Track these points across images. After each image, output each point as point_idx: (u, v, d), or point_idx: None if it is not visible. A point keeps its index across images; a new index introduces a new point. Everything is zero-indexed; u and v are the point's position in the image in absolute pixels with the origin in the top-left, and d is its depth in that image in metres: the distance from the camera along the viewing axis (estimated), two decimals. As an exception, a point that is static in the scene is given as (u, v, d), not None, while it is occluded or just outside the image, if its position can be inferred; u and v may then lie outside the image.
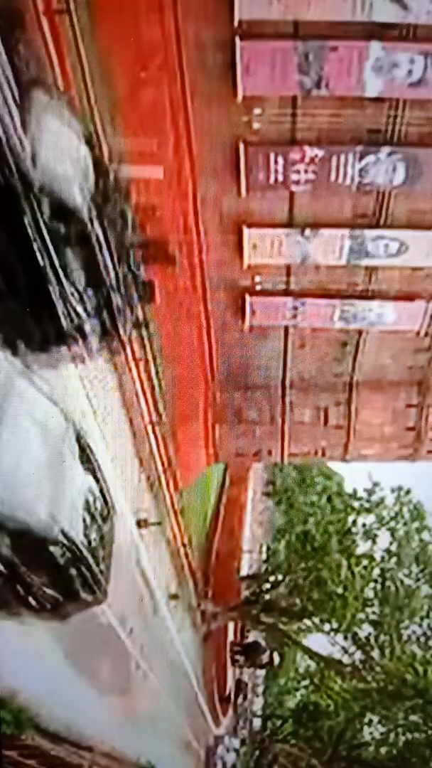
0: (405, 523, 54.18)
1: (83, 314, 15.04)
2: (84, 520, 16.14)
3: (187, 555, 41.06)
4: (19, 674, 18.34)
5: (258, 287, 30.93)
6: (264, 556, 70.14)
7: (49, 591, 15.36)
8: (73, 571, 15.79)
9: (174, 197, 26.80)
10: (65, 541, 15.22)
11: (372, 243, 28.45)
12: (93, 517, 16.73)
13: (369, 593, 53.84)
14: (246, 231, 28.46)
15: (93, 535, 16.53)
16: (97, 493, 17.11)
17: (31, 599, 15.21)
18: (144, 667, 33.62)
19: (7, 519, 13.67)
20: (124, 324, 16.93)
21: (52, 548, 14.97)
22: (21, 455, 14.48)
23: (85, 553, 15.83)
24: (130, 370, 27.54)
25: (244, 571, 67.40)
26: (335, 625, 54.75)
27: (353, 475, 73.25)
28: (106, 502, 17.44)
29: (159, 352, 29.52)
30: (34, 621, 17.37)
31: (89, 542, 16.15)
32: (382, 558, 54.14)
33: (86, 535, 16.03)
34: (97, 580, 16.56)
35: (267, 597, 58.28)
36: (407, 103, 24.70)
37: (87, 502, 16.48)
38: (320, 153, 25.77)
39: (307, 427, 35.98)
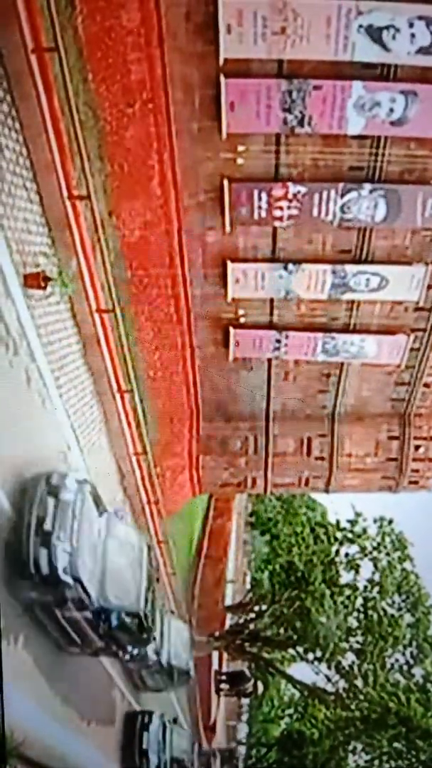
0: (387, 553, 54.25)
1: None
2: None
3: (171, 584, 41.13)
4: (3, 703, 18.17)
5: (242, 320, 31.22)
6: (248, 586, 70.11)
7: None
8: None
9: (160, 232, 27.05)
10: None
11: (353, 278, 28.77)
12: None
13: (352, 622, 53.86)
14: (230, 265, 28.76)
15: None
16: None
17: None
18: (129, 697, 33.76)
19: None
20: None
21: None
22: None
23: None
24: (114, 401, 27.71)
25: (228, 601, 67.40)
26: (319, 654, 54.69)
27: (336, 506, 73.35)
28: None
29: (144, 384, 29.73)
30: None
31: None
32: (365, 587, 54.16)
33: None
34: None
35: (251, 626, 58.26)
36: (388, 141, 25.07)
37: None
38: (303, 189, 26.11)
39: (290, 458, 36.19)
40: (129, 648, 25.69)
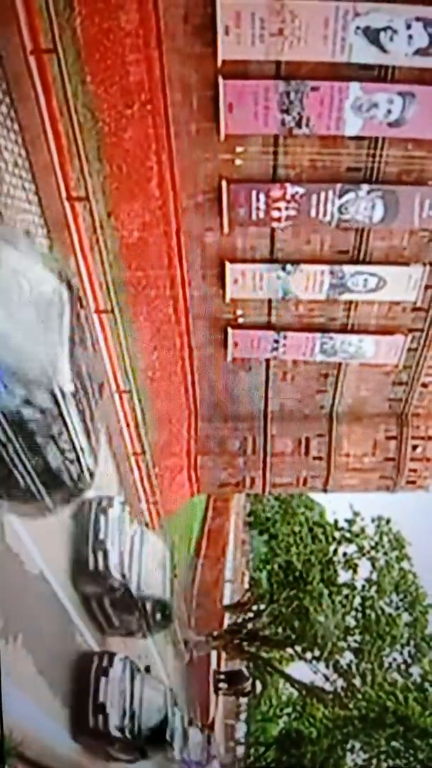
0: (385, 553, 54.48)
1: None
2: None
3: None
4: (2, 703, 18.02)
5: (240, 320, 31.26)
6: (246, 586, 70.26)
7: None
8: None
9: (158, 233, 27.09)
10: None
11: (351, 278, 28.80)
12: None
13: (350, 622, 54.01)
14: (228, 266, 28.80)
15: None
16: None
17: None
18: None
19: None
20: None
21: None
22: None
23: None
24: (113, 401, 27.78)
25: (227, 601, 67.52)
26: (317, 653, 54.85)
27: (334, 506, 73.54)
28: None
29: (142, 384, 29.79)
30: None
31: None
32: (363, 587, 54.37)
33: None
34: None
35: (250, 626, 58.41)
36: (386, 142, 25.09)
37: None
38: (301, 190, 26.14)
39: (288, 458, 36.21)
40: (49, 489, 14.24)
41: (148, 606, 29.15)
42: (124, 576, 26.98)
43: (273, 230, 27.90)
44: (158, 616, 30.51)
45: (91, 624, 27.87)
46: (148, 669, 32.64)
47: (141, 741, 28.28)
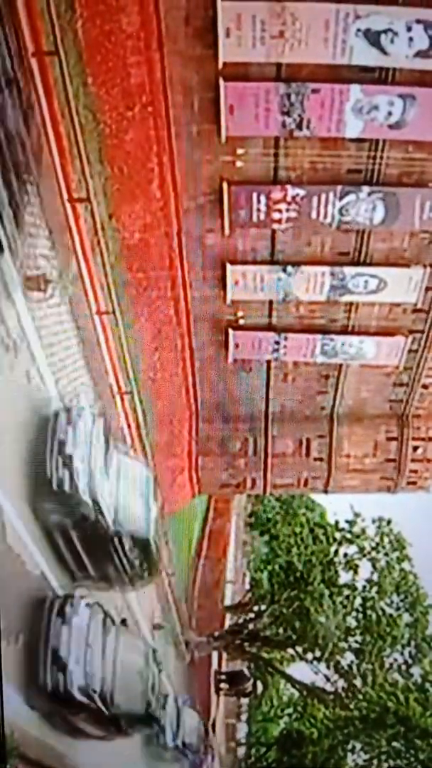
0: (386, 553, 54.29)
1: None
2: None
3: (171, 585, 41.14)
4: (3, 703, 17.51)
5: (241, 322, 31.30)
6: (247, 586, 70.17)
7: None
8: None
9: (159, 234, 27.12)
10: None
11: (352, 280, 28.87)
12: None
13: (351, 622, 53.92)
14: (229, 267, 28.87)
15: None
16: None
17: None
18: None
19: None
20: None
21: None
22: None
23: None
24: (114, 402, 27.79)
25: (227, 601, 67.43)
26: (318, 654, 54.77)
27: (335, 506, 73.54)
28: None
29: (143, 385, 29.80)
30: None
31: None
32: (364, 587, 54.20)
33: None
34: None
35: (251, 626, 58.33)
36: (387, 144, 25.18)
37: None
38: (302, 192, 26.22)
39: (289, 458, 36.22)
40: None
41: (127, 545, 21.98)
42: (96, 503, 20.48)
43: (274, 232, 27.98)
44: (140, 559, 22.94)
45: (57, 566, 21.44)
46: (124, 621, 25.30)
47: (114, 710, 21.15)
